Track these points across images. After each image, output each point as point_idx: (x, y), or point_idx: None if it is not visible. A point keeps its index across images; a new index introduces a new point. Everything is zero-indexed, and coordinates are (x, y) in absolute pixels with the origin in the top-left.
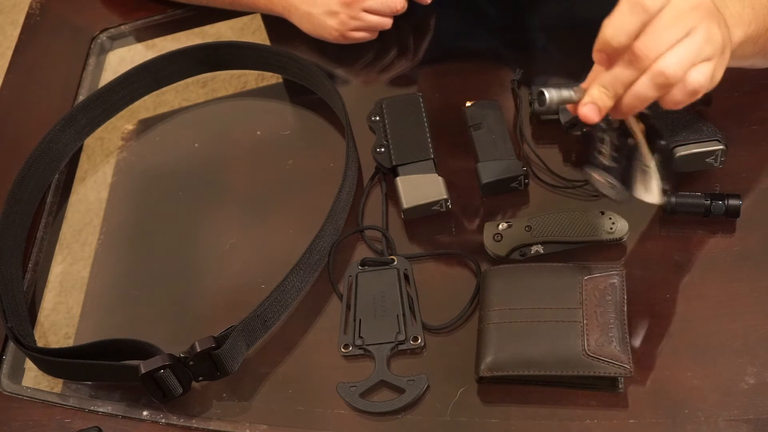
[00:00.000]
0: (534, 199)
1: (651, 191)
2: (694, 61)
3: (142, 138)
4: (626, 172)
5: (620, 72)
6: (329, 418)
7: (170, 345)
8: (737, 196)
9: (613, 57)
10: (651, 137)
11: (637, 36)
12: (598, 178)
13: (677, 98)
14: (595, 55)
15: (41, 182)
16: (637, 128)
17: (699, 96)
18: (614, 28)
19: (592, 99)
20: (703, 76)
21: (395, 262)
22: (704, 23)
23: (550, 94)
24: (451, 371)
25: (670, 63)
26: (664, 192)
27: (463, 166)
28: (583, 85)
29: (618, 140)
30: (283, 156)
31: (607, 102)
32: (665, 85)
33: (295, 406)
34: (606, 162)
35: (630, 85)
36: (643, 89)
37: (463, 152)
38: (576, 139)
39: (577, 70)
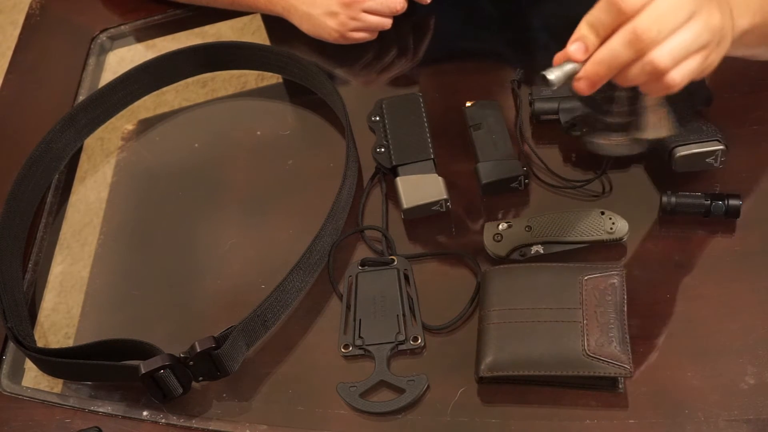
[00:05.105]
0: (534, 199)
1: (665, 126)
2: (686, 55)
3: (142, 138)
4: (641, 119)
5: (617, 50)
6: (329, 418)
7: (170, 345)
8: (737, 196)
9: (608, 29)
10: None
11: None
12: (610, 142)
13: (652, 89)
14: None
15: (41, 182)
16: None
17: (673, 91)
18: None
19: (587, 74)
20: (681, 78)
21: (395, 262)
22: (706, 8)
23: (555, 75)
24: (451, 371)
25: (662, 54)
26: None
27: (463, 166)
28: (571, 51)
29: (631, 92)
30: (283, 156)
31: (602, 78)
32: (653, 75)
33: (295, 406)
34: (620, 119)
35: (625, 66)
36: (633, 74)
37: (463, 152)
38: (576, 139)
39: None
